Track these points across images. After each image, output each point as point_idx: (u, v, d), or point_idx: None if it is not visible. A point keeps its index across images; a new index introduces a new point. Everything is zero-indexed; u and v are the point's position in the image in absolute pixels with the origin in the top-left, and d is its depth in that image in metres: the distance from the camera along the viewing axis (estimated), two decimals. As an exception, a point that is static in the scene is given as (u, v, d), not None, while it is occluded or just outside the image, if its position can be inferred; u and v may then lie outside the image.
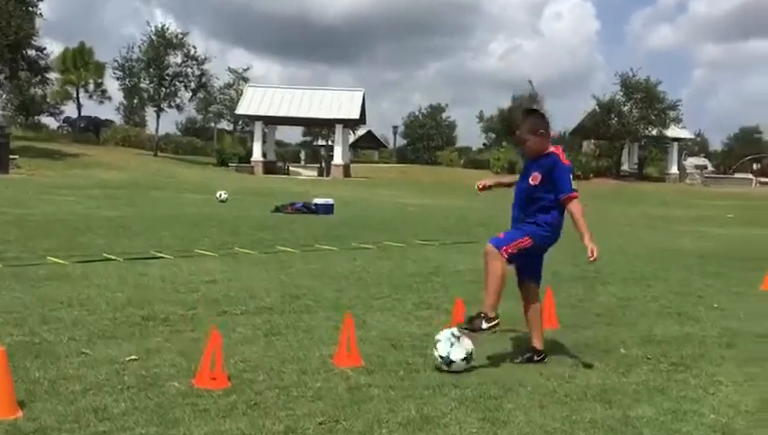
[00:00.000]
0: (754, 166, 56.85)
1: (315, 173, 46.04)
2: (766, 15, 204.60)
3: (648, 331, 5.59)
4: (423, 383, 3.99)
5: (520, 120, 4.75)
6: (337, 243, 10.34)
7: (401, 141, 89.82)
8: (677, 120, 52.83)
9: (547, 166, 4.50)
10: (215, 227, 11.79)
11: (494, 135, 73.50)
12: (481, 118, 77.28)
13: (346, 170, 43.64)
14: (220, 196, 17.53)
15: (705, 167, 64.44)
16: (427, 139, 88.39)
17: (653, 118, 51.30)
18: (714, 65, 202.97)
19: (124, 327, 4.90)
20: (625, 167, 55.65)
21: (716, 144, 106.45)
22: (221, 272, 7.31)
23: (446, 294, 6.65)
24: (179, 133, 72.93)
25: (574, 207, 4.43)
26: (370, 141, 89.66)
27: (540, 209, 4.51)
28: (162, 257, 8.13)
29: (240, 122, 59.63)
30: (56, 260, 7.53)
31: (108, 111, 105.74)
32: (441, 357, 4.25)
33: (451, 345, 4.27)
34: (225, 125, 66.86)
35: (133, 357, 4.21)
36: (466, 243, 11.26)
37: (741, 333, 5.63)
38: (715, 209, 27.93)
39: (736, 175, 60.41)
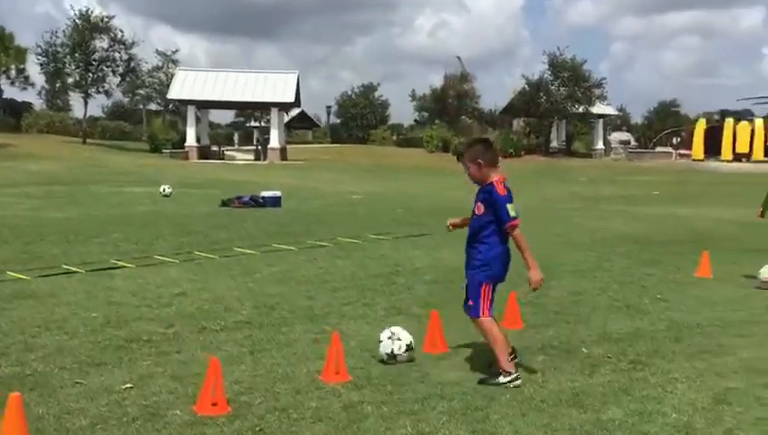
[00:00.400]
0: (675, 140, 59.26)
1: (251, 157, 45.64)
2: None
3: (603, 327, 6.02)
4: (411, 397, 4.27)
5: (462, 149, 5.00)
6: (293, 241, 10.50)
7: (333, 120, 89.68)
8: (603, 98, 54.69)
9: (486, 196, 4.68)
10: (166, 227, 11.74)
11: (426, 113, 74.12)
12: (413, 96, 77.58)
13: (283, 154, 43.46)
14: (164, 190, 17.30)
15: (629, 142, 66.87)
16: (360, 118, 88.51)
17: (580, 96, 52.93)
18: (632, 39, 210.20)
19: (110, 351, 4.99)
20: (554, 143, 57.26)
21: (637, 117, 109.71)
22: (188, 281, 7.40)
23: (412, 297, 6.97)
24: (105, 117, 70.80)
25: (516, 234, 4.60)
26: (303, 121, 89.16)
27: (480, 240, 4.70)
28: (124, 267, 8.13)
29: (170, 105, 58.35)
30: (17, 275, 7.46)
31: (31, 98, 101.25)
32: (387, 354, 4.84)
33: (393, 343, 4.84)
34: (154, 108, 65.44)
35: (129, 385, 4.33)
36: (419, 236, 11.58)
37: (685, 325, 6.13)
38: (641, 186, 29.24)
39: (657, 149, 62.87)
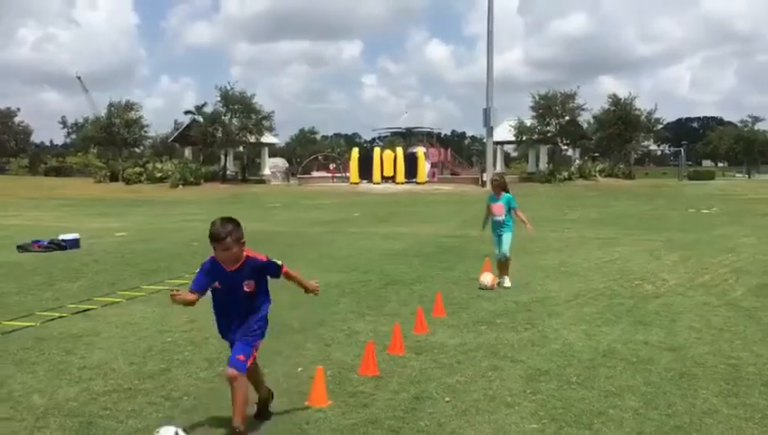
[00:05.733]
0: (331, 166, 66.84)
1: None
2: (293, 18, 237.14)
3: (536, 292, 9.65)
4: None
5: (225, 230, 4.81)
6: (174, 277, 12.16)
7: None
8: (271, 129, 59.77)
9: (253, 271, 4.93)
10: (24, 278, 12.20)
11: (83, 140, 71.07)
12: (64, 123, 73.75)
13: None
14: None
15: (288, 167, 73.17)
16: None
17: (251, 127, 57.19)
18: (248, 64, 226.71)
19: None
20: (229, 171, 60.58)
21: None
22: (173, 315, 9.14)
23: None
24: None
25: (287, 271, 5.11)
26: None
27: (255, 310, 5.00)
28: (89, 309, 9.35)
29: None
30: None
31: None
32: None
33: None
34: None
35: (300, 368, 6.64)
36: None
37: (535, 300, 10.07)
38: (339, 209, 34.14)
39: (314, 174, 70.06)
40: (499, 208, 11.34)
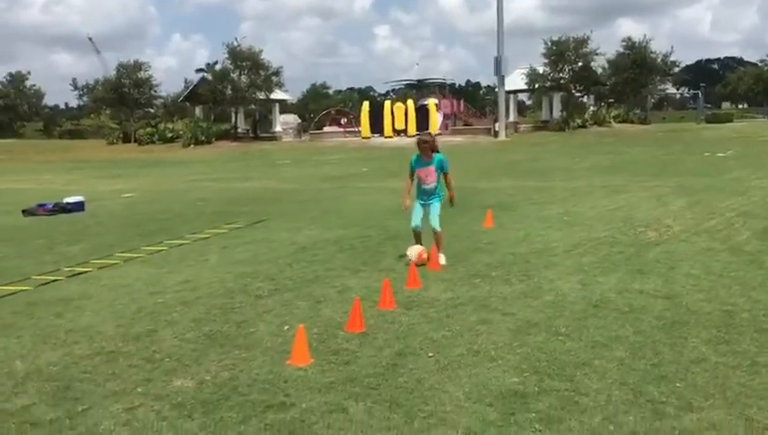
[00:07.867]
0: (343, 120, 66.36)
1: None
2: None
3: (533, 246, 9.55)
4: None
5: None
6: (171, 237, 12.15)
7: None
8: (280, 85, 59.25)
9: None
10: (33, 239, 12.31)
11: (95, 102, 71.12)
12: (75, 85, 73.69)
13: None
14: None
15: (300, 123, 72.76)
16: (11, 110, 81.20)
17: (260, 83, 56.74)
18: (259, 19, 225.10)
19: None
20: (240, 129, 60.38)
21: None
22: (169, 273, 9.13)
23: (348, 258, 9.71)
24: None
25: None
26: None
27: None
28: (83, 272, 9.38)
29: None
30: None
31: None
32: None
33: None
34: None
35: (286, 328, 6.60)
36: (261, 221, 13.95)
37: (547, 249, 9.95)
38: (348, 164, 33.98)
39: (325, 129, 69.63)
40: (430, 174, 9.42)
